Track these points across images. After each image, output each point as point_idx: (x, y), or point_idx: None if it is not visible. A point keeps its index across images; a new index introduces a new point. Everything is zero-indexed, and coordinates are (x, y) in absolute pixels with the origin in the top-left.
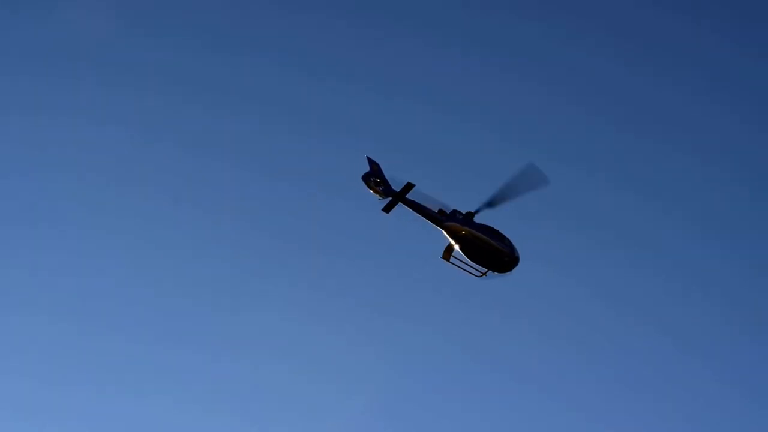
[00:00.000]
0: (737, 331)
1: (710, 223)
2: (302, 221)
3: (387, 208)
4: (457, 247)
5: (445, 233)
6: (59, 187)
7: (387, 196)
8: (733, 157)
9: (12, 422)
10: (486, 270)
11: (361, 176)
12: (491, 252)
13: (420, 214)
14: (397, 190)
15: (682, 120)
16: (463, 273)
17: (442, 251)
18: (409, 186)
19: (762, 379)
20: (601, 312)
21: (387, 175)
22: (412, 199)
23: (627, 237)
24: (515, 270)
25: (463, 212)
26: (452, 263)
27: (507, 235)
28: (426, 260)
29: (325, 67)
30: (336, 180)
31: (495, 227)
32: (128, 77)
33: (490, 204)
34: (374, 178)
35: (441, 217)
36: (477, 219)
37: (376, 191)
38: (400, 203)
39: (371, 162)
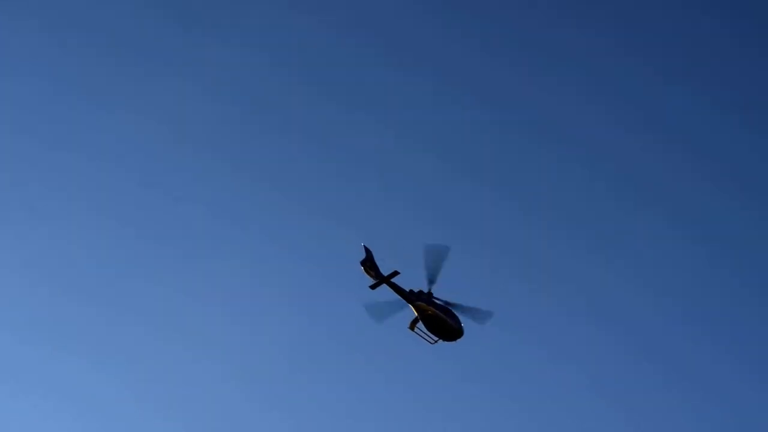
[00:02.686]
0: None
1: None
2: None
3: (374, 287)
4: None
5: (413, 309)
6: None
7: (377, 278)
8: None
9: None
10: (437, 339)
11: (359, 261)
12: (447, 328)
13: (397, 293)
14: (385, 275)
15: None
16: (421, 340)
17: (410, 322)
18: (395, 273)
19: None
20: None
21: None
22: (393, 282)
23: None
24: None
25: (425, 291)
26: (415, 332)
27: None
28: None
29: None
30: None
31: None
32: None
33: (431, 281)
34: (368, 263)
35: (412, 297)
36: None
37: (369, 274)
38: (384, 284)
39: (367, 250)
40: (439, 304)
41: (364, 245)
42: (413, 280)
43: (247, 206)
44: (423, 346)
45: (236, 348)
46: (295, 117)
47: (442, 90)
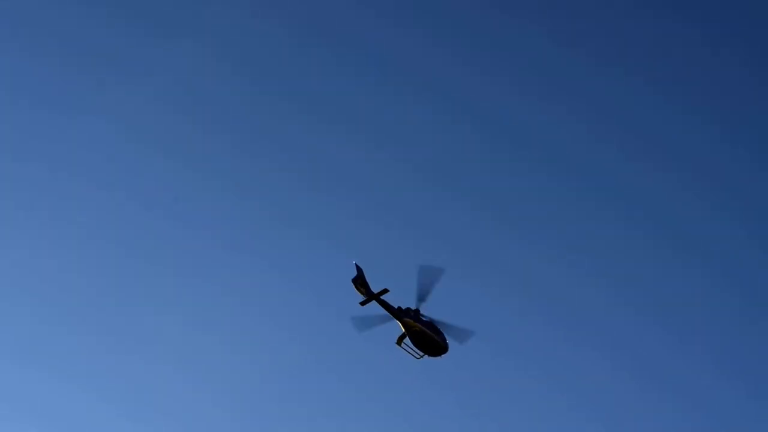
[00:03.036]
0: None
1: None
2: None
3: (364, 303)
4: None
5: (401, 326)
6: None
7: (367, 295)
8: None
9: None
10: (423, 354)
11: (351, 279)
12: (433, 344)
13: (386, 310)
14: (375, 292)
15: None
16: (407, 354)
17: (397, 338)
18: (384, 291)
19: None
20: None
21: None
22: (383, 299)
23: None
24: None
25: (414, 308)
26: (402, 347)
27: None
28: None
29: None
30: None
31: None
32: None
33: (421, 299)
34: (359, 280)
35: (400, 314)
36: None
37: (360, 292)
38: (374, 300)
39: (358, 268)
40: (426, 321)
41: (355, 263)
42: (402, 298)
43: (238, 222)
44: (410, 360)
45: (226, 364)
46: (280, 131)
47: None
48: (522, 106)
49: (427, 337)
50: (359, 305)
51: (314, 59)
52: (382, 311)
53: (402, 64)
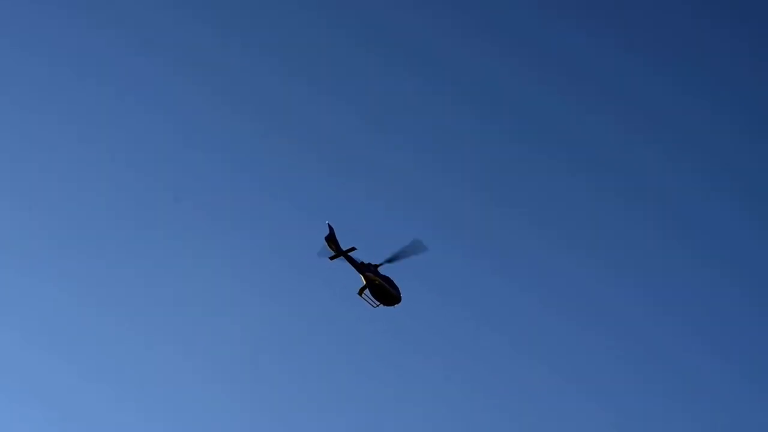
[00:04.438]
0: None
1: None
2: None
3: (333, 258)
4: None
5: (363, 279)
6: None
7: (336, 252)
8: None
9: None
10: (379, 304)
11: (324, 237)
12: (388, 295)
13: (352, 264)
14: (344, 249)
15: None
16: (365, 304)
17: (359, 289)
18: (352, 249)
19: None
20: None
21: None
22: (350, 255)
23: None
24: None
25: (374, 264)
26: (363, 298)
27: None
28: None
29: None
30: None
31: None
32: None
33: (390, 261)
34: (331, 238)
35: (363, 269)
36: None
37: (330, 248)
38: (342, 257)
39: (330, 227)
40: (384, 276)
41: (328, 223)
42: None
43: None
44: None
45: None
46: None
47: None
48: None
49: (384, 289)
50: (329, 259)
51: None
52: (348, 266)
53: None
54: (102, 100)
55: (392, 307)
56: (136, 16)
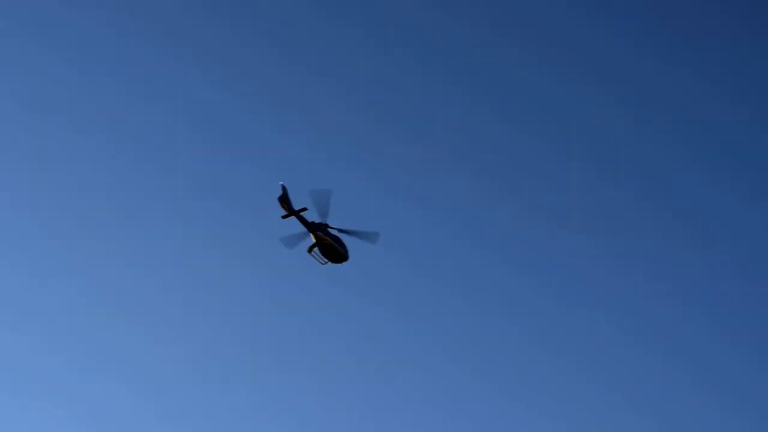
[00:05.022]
0: None
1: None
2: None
3: (285, 217)
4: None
5: (312, 237)
6: None
7: (289, 212)
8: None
9: None
10: (327, 261)
11: (277, 198)
12: (336, 253)
13: (302, 223)
14: (296, 209)
15: None
16: (314, 261)
17: (308, 247)
18: (303, 209)
19: None
20: None
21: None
22: (302, 215)
23: None
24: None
25: (324, 222)
26: (312, 255)
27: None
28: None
29: None
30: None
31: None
32: None
33: (345, 231)
34: (284, 199)
35: (312, 228)
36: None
37: (283, 208)
38: (293, 216)
39: (283, 188)
40: (333, 234)
41: (281, 184)
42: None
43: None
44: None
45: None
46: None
47: None
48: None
49: (332, 248)
50: (281, 218)
51: None
52: (302, 227)
53: None
54: (102, 96)
55: (339, 264)
56: (136, 8)
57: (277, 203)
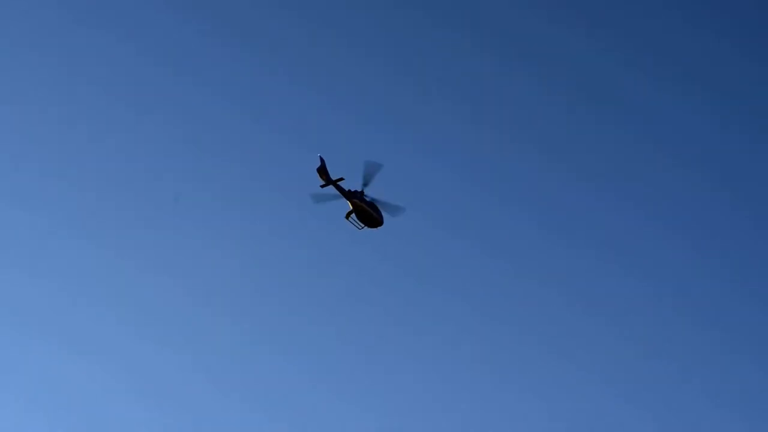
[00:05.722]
0: None
1: None
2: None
3: (323, 186)
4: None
5: (350, 204)
6: None
7: (327, 182)
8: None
9: None
10: (364, 226)
11: (315, 168)
12: (372, 219)
13: (340, 192)
14: (333, 179)
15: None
16: (351, 226)
17: (346, 213)
18: (341, 179)
19: None
20: None
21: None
22: (339, 184)
23: None
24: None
25: (360, 190)
26: (349, 221)
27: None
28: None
29: None
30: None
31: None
32: None
33: (364, 185)
34: (322, 169)
35: (350, 195)
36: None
37: (322, 178)
38: (331, 185)
39: (321, 159)
40: (369, 201)
41: (320, 156)
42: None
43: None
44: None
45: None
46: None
47: None
48: None
49: (367, 213)
50: (320, 188)
51: None
52: (338, 193)
53: None
54: (100, 99)
55: (375, 229)
56: (132, 14)
57: (316, 174)
